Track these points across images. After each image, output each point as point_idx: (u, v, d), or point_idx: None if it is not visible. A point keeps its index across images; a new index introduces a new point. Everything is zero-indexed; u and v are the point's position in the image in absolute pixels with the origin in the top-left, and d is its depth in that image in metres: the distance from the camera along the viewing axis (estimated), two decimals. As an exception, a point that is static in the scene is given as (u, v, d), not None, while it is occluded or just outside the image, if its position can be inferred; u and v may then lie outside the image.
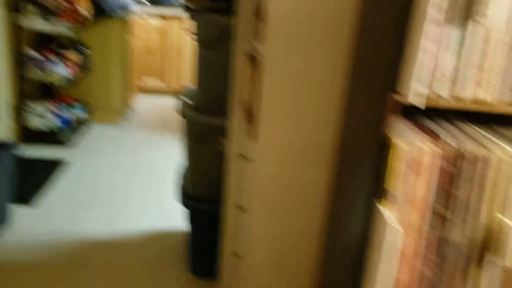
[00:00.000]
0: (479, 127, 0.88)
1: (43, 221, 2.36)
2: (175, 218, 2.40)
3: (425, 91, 0.74)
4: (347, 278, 0.92)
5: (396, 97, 0.76)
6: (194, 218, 1.89)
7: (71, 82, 3.31)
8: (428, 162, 0.77)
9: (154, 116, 4.05)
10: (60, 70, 3.17)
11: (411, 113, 0.92)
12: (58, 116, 3.27)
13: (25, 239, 2.19)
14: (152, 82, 4.64)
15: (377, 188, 0.81)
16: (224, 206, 1.65)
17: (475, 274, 0.83)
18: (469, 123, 0.90)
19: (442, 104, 0.75)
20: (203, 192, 1.83)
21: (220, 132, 1.72)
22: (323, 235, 1.26)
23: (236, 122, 1.51)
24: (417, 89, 0.73)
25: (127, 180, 2.89)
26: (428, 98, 0.75)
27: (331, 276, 1.09)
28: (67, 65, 3.23)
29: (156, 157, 3.26)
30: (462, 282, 0.84)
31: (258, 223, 1.33)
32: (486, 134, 0.85)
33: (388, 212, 0.79)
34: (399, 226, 0.77)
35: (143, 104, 4.34)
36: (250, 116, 1.31)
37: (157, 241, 2.29)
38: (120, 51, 3.67)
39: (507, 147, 0.79)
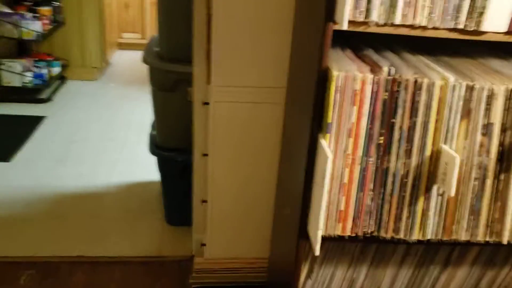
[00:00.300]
0: (422, 56, 0.87)
1: (20, 176, 2.36)
2: (152, 169, 2.40)
3: (361, 17, 0.72)
4: (295, 211, 0.93)
5: (333, 25, 0.73)
6: (163, 168, 1.89)
7: (45, 37, 3.23)
8: (365, 91, 0.76)
9: (133, 71, 3.98)
10: (33, 26, 3.08)
11: (354, 44, 0.90)
12: (34, 72, 3.21)
13: (2, 194, 2.19)
14: (131, 37, 4.54)
15: (318, 121, 0.81)
16: (193, 155, 1.65)
17: (418, 203, 0.84)
18: (413, 52, 0.88)
19: (378, 30, 0.73)
20: (171, 141, 1.82)
21: (186, 81, 1.69)
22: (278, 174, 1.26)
23: (199, 69, 1.48)
24: (352, 16, 0.71)
25: (104, 134, 2.88)
26: (364, 24, 0.73)
27: (282, 211, 1.10)
28: (40, 20, 3.14)
29: (133, 111, 3.23)
30: (405, 211, 0.85)
31: (218, 167, 1.34)
32: (428, 61, 0.83)
33: (325, 143, 0.78)
34: (331, 153, 0.77)
35: (122, 59, 4.26)
36: (207, 59, 1.28)
37: (134, 192, 2.30)
38: (95, 5, 3.57)
39: (445, 73, 0.78)
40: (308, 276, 1.05)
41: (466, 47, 0.96)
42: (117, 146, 2.71)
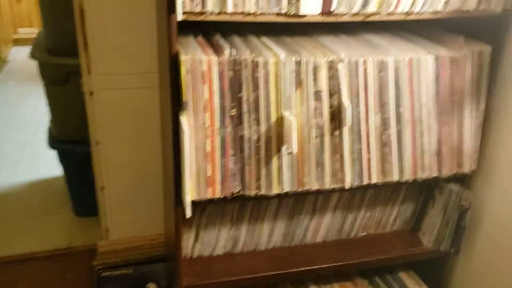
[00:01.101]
0: (267, 37, 1.01)
1: None
2: (56, 165, 2.40)
3: (198, 8, 0.84)
4: (171, 183, 1.04)
5: (173, 16, 0.84)
6: (64, 161, 1.93)
7: None
8: (210, 71, 0.89)
9: (33, 67, 3.85)
10: None
11: (205, 32, 1.03)
12: None
13: None
14: (28, 32, 4.35)
15: (178, 100, 0.92)
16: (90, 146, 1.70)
17: (272, 162, 0.99)
18: (259, 35, 1.03)
19: (216, 18, 0.86)
20: (69, 133, 1.86)
21: (77, 72, 1.73)
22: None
23: (84, 59, 1.54)
24: (189, 7, 0.83)
25: (4, 135, 2.81)
26: (202, 14, 0.85)
27: (167, 184, 1.22)
28: None
29: (35, 109, 3.16)
30: (263, 170, 0.99)
31: (109, 153, 1.42)
32: (268, 42, 0.98)
33: (184, 119, 0.90)
34: (188, 127, 0.89)
35: (20, 56, 4.09)
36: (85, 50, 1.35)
37: (39, 189, 2.30)
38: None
39: (278, 51, 0.92)
40: (195, 240, 1.18)
41: (308, 26, 1.12)
42: (18, 145, 2.66)
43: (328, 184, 1.04)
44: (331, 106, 0.97)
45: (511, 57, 1.04)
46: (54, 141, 1.89)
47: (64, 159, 1.94)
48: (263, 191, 1.02)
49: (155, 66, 1.28)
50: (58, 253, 1.89)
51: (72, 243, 1.95)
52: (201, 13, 0.84)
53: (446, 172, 1.11)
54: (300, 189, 1.03)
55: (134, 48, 1.27)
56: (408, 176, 1.08)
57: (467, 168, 1.12)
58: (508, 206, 1.11)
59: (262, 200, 1.16)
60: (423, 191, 1.27)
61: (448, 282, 1.34)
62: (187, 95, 0.90)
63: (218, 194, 1.00)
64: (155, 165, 1.41)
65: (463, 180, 1.18)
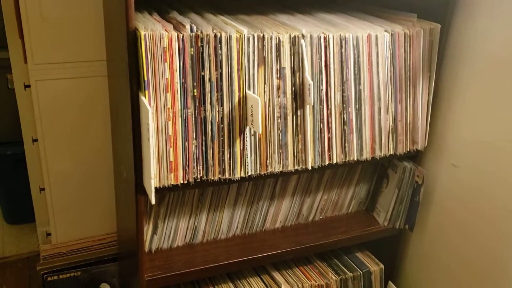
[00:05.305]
0: (222, 15, 0.99)
1: None
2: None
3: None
4: (130, 171, 0.98)
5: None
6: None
7: None
8: (172, 47, 0.84)
9: None
10: None
11: (162, 9, 0.98)
12: None
13: None
14: None
15: (136, 80, 0.87)
16: (24, 145, 1.57)
17: (236, 145, 0.96)
18: (214, 13, 1.00)
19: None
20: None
21: (3, 68, 1.60)
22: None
23: (15, 50, 1.42)
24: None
25: None
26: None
27: (121, 179, 1.15)
28: None
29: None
30: (226, 153, 0.96)
31: (51, 150, 1.32)
32: (226, 19, 0.95)
33: (145, 99, 0.85)
34: (150, 107, 0.84)
35: None
36: (21, 38, 1.24)
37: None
38: None
39: (240, 27, 0.90)
40: (154, 232, 1.13)
41: (261, 6, 1.10)
42: None
43: (291, 166, 1.03)
44: (294, 84, 0.96)
45: (458, 35, 1.09)
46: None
47: (-8, 162, 1.78)
48: (226, 175, 0.98)
49: (101, 54, 1.20)
50: (-10, 265, 1.73)
51: (5, 253, 1.79)
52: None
53: (401, 149, 1.14)
54: (263, 172, 1.01)
55: (77, 34, 1.18)
56: (367, 155, 1.10)
57: (420, 145, 1.16)
58: (456, 181, 1.16)
59: (222, 187, 1.13)
60: (376, 171, 1.30)
61: (402, 259, 1.38)
62: (147, 74, 0.84)
63: (180, 180, 0.95)
64: (104, 159, 1.33)
65: (415, 157, 1.22)
